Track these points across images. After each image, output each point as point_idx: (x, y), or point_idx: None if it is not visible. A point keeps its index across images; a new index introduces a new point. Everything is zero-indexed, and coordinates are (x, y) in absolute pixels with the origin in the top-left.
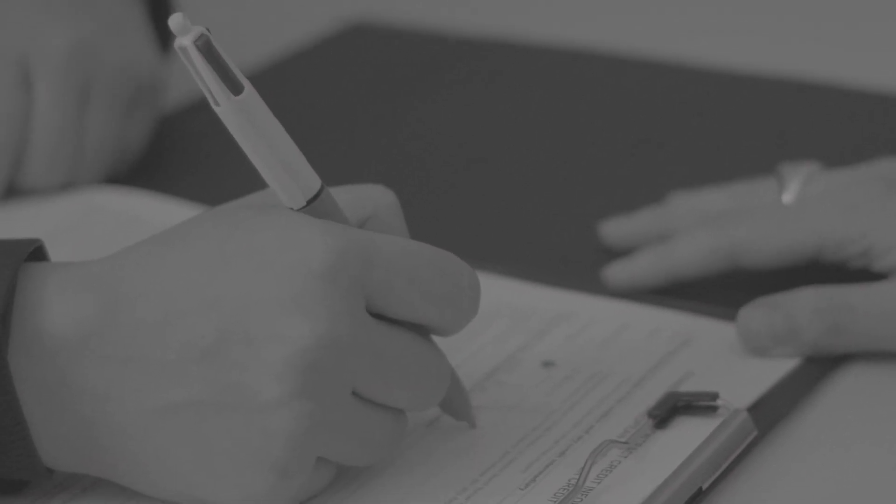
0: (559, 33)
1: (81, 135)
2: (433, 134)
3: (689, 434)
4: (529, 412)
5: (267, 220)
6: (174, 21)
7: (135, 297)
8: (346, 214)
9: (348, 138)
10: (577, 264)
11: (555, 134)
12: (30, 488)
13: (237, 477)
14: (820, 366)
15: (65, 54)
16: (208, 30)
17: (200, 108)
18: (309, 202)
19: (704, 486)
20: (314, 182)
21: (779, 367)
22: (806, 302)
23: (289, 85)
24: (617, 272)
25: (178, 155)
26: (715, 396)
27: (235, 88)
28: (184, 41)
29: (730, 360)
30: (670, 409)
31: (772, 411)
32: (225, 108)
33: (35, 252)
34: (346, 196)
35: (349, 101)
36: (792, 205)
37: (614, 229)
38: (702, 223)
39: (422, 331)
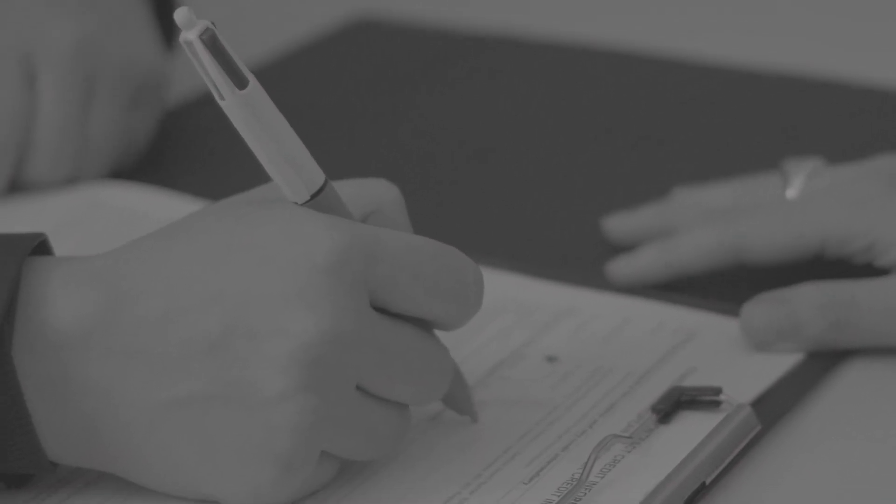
0: (563, 29)
1: (85, 130)
2: (437, 129)
3: (693, 429)
4: (533, 407)
5: (270, 214)
6: (179, 15)
7: (138, 291)
8: (349, 209)
9: (352, 133)
10: (581, 259)
11: (559, 129)
12: (33, 482)
13: (241, 471)
14: (823, 361)
15: (69, 50)
16: (213, 24)
17: (204, 104)
18: (313, 196)
19: (708, 481)
20: (318, 176)
21: (782, 363)
22: (810, 297)
23: (293, 80)
24: (620, 267)
25: (182, 150)
26: (718, 391)
27: (240, 82)
28: (189, 35)
29: (733, 356)
30: (674, 404)
31: (775, 406)
32: (230, 102)
33: (39, 246)
34: (349, 190)
35: (353, 96)
36: (795, 200)
37: (618, 224)
38: (705, 219)
39: (425, 325)
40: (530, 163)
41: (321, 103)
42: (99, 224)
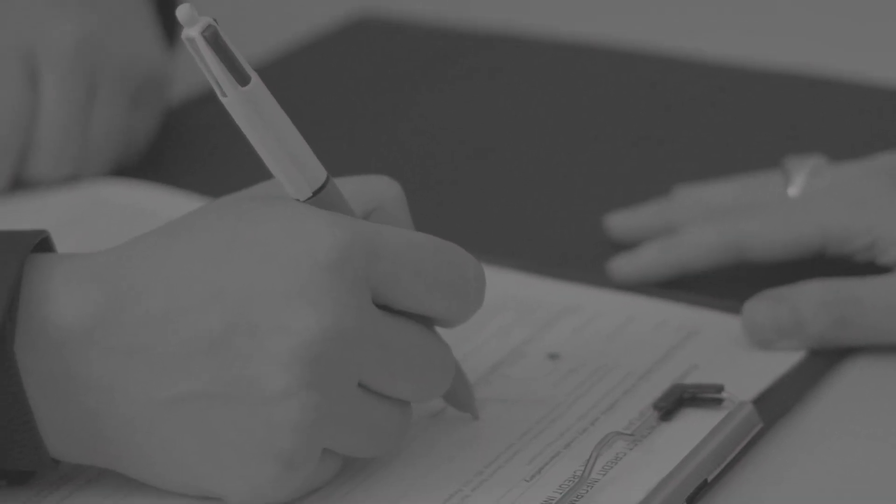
0: (564, 27)
1: (88, 128)
2: (438, 127)
3: (695, 426)
4: (534, 404)
5: (272, 211)
6: (182, 12)
7: (140, 289)
8: (351, 206)
9: (354, 131)
10: (583, 257)
11: (560, 127)
12: (36, 479)
13: (243, 468)
14: (825, 359)
15: (71, 48)
16: (216, 20)
17: (206, 101)
18: (315, 193)
19: (709, 479)
20: (320, 173)
21: (784, 360)
22: (812, 295)
23: (294, 78)
24: (622, 265)
25: (184, 147)
26: (720, 389)
27: (242, 79)
28: (191, 32)
29: (735, 353)
30: (676, 402)
31: (777, 404)
32: (232, 98)
33: (41, 244)
34: (351, 187)
35: (354, 94)
36: (797, 198)
37: (620, 222)
38: (707, 216)
39: (427, 322)
40: (531, 160)
41: (322, 101)
42: (101, 221)
